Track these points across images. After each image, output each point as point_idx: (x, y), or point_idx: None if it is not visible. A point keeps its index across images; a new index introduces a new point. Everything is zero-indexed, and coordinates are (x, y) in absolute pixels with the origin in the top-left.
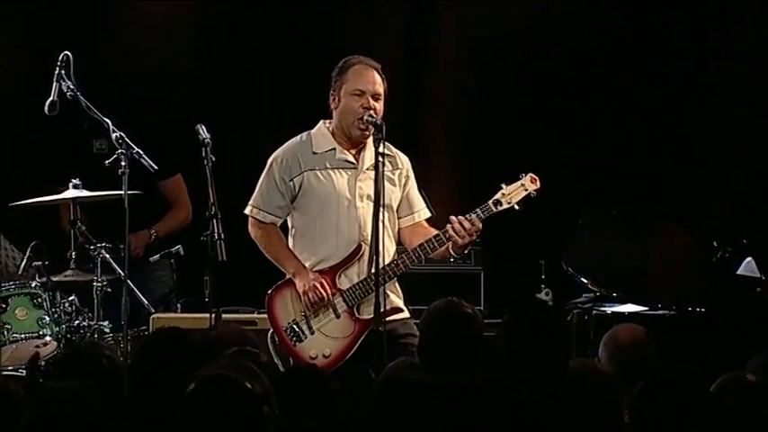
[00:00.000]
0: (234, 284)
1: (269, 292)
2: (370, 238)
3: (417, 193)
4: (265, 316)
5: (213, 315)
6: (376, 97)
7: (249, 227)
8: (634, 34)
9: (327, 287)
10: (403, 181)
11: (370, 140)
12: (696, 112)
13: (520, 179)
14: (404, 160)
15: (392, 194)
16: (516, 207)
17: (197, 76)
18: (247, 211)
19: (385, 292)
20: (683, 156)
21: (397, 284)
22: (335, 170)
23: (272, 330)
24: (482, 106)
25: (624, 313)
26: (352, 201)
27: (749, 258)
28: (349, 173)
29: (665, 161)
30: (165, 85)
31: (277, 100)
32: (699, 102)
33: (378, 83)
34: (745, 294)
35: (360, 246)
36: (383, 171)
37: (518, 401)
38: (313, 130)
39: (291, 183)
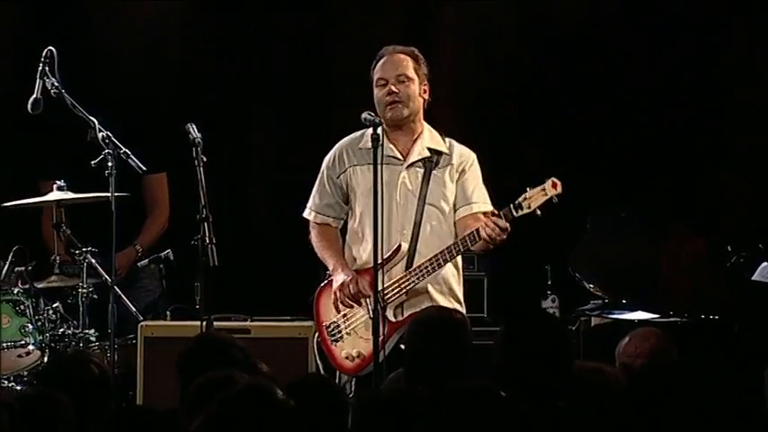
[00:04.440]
0: (226, 290)
1: (321, 285)
2: (410, 236)
3: (478, 185)
4: (259, 323)
5: (204, 323)
6: (400, 79)
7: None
8: (643, 32)
9: (360, 285)
10: (456, 176)
11: (424, 135)
12: (707, 114)
13: (543, 183)
14: (464, 155)
15: (441, 193)
16: (538, 212)
17: (187, 75)
18: (305, 213)
19: (426, 292)
20: (695, 158)
21: (450, 280)
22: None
23: (316, 334)
24: (485, 108)
25: (634, 320)
26: (393, 197)
27: (765, 263)
28: (391, 168)
29: (676, 163)
30: (154, 84)
31: (271, 99)
32: (710, 103)
33: (402, 65)
34: (761, 301)
35: (400, 245)
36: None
37: (510, 411)
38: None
39: (339, 179)
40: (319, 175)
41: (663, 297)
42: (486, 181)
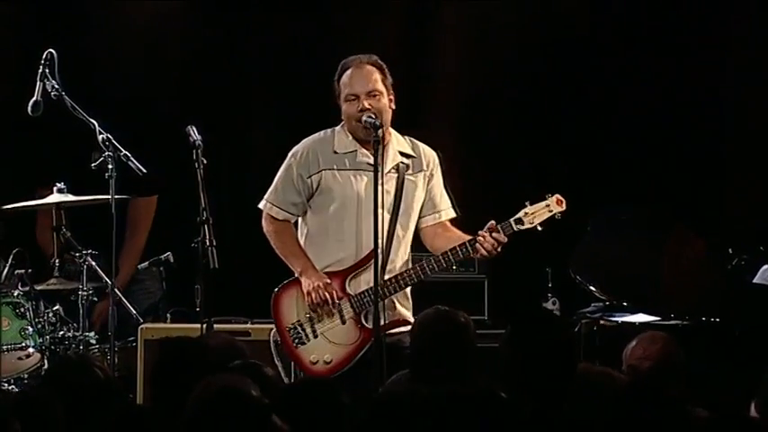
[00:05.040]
0: (226, 293)
1: (276, 289)
2: (385, 242)
3: (443, 191)
4: (259, 326)
5: (204, 325)
6: (371, 95)
7: (262, 222)
8: (644, 33)
9: (334, 290)
10: (426, 180)
11: (392, 142)
12: (708, 116)
13: (545, 199)
14: (430, 158)
15: (415, 201)
16: (539, 228)
17: (186, 76)
18: (261, 205)
19: (392, 302)
20: (697, 160)
21: (408, 294)
22: (355, 172)
23: (274, 330)
24: (484, 109)
25: (635, 323)
26: (371, 205)
27: (766, 266)
28: (369, 176)
29: (678, 165)
30: (153, 86)
31: (271, 101)
32: (711, 104)
33: (372, 80)
34: (762, 304)
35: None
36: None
37: (512, 414)
38: (337, 128)
39: (309, 180)
40: (284, 170)
41: (663, 300)
42: (484, 182)
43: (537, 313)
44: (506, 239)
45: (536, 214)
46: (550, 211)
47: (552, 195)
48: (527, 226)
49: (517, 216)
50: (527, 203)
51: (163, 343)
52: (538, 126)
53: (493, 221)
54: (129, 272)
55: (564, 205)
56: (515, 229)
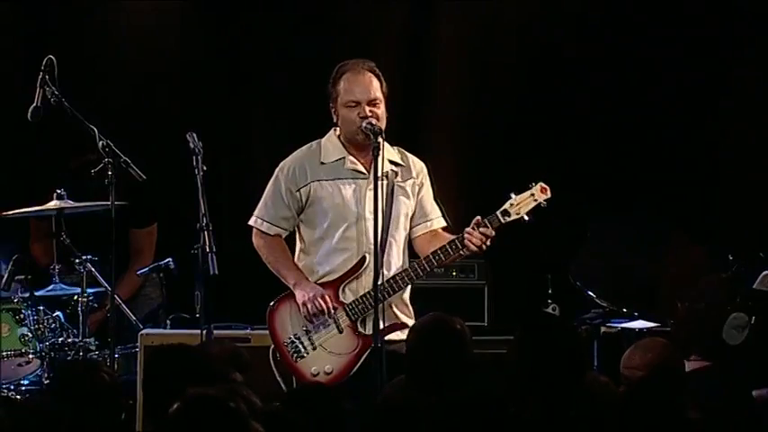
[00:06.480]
0: (226, 299)
1: (270, 304)
2: (379, 248)
3: (433, 201)
4: (259, 332)
5: (204, 332)
6: (372, 103)
7: (253, 238)
8: (646, 37)
9: (328, 299)
10: (417, 189)
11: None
12: (710, 121)
13: (530, 188)
14: (418, 167)
15: (405, 207)
16: (526, 218)
17: (186, 82)
18: (252, 222)
19: (390, 306)
20: (697, 166)
21: (407, 301)
22: (344, 180)
23: (273, 346)
24: (485, 112)
25: (634, 330)
26: (361, 212)
27: (766, 272)
28: (358, 183)
29: (677, 172)
30: (152, 93)
31: (271, 104)
32: (711, 111)
33: (373, 87)
34: (761, 310)
35: (364, 257)
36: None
37: (512, 420)
38: (323, 139)
39: (298, 193)
40: (272, 186)
41: (663, 306)
42: (484, 189)
43: (546, 319)
44: (494, 233)
45: (521, 204)
46: (536, 200)
47: (536, 183)
48: (514, 217)
49: (503, 208)
50: (512, 195)
51: (158, 350)
52: (537, 132)
53: (478, 217)
54: (126, 295)
55: (549, 192)
56: (502, 221)
